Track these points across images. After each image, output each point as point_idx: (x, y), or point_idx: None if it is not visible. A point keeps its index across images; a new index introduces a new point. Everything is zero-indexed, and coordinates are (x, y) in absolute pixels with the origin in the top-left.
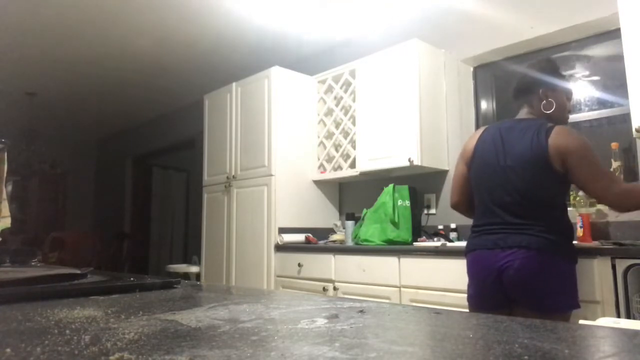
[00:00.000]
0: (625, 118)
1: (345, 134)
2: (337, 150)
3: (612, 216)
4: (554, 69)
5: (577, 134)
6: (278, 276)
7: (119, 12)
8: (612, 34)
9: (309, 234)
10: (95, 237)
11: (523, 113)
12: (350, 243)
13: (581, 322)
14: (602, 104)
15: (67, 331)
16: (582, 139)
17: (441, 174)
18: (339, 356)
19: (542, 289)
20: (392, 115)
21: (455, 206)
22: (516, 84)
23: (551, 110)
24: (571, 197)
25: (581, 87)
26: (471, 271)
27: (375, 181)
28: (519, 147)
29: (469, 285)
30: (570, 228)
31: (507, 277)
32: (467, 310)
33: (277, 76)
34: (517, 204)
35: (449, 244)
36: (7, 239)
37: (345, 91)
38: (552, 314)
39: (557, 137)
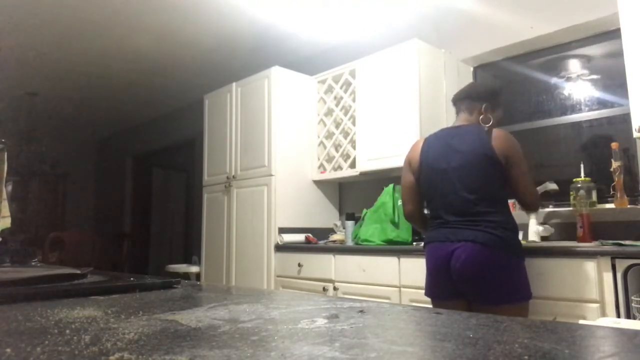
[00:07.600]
0: (625, 118)
1: (345, 134)
2: (337, 150)
3: (612, 216)
4: (498, 96)
5: (512, 136)
6: (278, 276)
7: (119, 12)
8: (612, 34)
9: (309, 234)
10: (95, 237)
11: (460, 119)
12: (350, 243)
13: (581, 322)
14: (602, 104)
15: (67, 331)
16: (516, 141)
17: None
18: (339, 356)
19: (487, 282)
20: (392, 115)
21: (409, 215)
22: (466, 89)
23: (486, 126)
24: (571, 197)
25: (581, 87)
26: (427, 262)
27: (375, 181)
28: (463, 149)
29: (426, 276)
30: (514, 224)
31: (454, 269)
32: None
33: (277, 76)
34: (465, 201)
35: None
36: (7, 239)
37: (345, 91)
38: (500, 306)
39: (499, 137)
